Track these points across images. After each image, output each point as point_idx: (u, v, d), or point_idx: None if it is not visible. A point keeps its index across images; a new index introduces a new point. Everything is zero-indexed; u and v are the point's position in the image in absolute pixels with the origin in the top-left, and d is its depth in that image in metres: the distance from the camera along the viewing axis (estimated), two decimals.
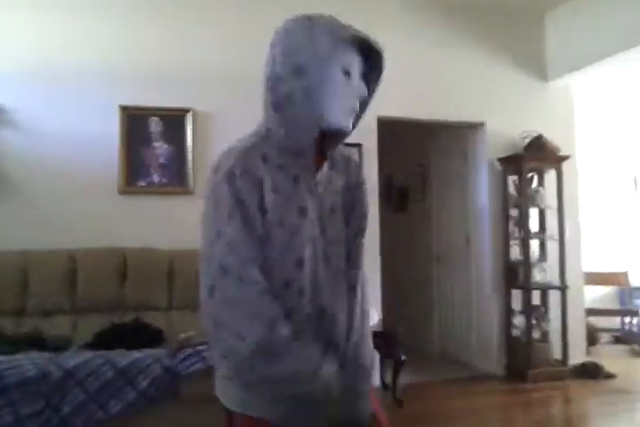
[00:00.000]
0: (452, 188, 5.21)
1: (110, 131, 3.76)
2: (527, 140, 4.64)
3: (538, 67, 4.94)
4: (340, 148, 1.32)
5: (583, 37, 4.59)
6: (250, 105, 3.96)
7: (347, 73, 1.18)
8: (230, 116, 3.97)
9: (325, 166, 1.25)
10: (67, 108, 3.72)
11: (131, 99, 3.81)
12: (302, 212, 1.17)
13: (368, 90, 1.22)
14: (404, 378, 3.99)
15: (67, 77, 3.73)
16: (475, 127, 4.82)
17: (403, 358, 3.84)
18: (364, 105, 1.24)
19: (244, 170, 1.12)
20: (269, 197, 1.13)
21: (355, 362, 1.24)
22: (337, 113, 1.18)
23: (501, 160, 4.68)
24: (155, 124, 3.85)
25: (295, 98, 1.14)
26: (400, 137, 5.49)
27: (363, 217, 1.34)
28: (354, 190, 1.32)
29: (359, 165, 1.39)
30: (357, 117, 1.24)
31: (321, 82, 1.14)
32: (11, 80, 3.65)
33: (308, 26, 1.15)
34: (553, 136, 4.65)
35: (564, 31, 4.80)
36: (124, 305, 3.33)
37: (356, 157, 1.42)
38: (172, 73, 3.92)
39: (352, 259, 1.29)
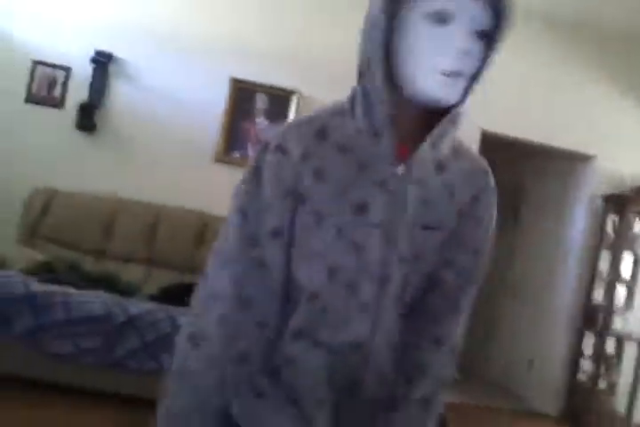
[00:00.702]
0: (545, 217, 4.97)
1: (217, 100, 3.86)
2: (638, 181, 4.37)
3: None
4: (467, 154, 1.02)
5: None
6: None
7: (441, 19, 0.85)
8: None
9: (421, 161, 0.93)
10: (182, 71, 3.86)
11: (243, 72, 3.89)
12: (360, 209, 0.89)
13: (491, 47, 0.89)
14: (451, 396, 3.84)
15: (186, 41, 3.86)
16: (583, 159, 4.59)
17: (454, 376, 3.69)
18: (466, 54, 0.87)
19: (278, 145, 0.91)
20: (309, 183, 0.89)
21: None
22: (421, 75, 0.87)
23: (605, 197, 4.43)
24: (261, 101, 3.91)
25: (372, 57, 0.90)
26: (498, 154, 5.30)
27: (473, 254, 1.01)
28: (477, 219, 1.00)
29: (492, 187, 1.04)
30: (466, 89, 0.90)
31: (398, 35, 0.88)
32: (136, 36, 3.81)
33: None
34: None
35: None
36: (196, 267, 3.38)
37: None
38: (287, 54, 3.96)
39: (437, 309, 0.98)
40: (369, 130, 0.91)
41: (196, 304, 0.94)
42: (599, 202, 4.48)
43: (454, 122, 0.92)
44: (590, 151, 4.50)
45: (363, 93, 0.91)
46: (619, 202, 4.34)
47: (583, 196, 4.56)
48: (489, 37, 0.89)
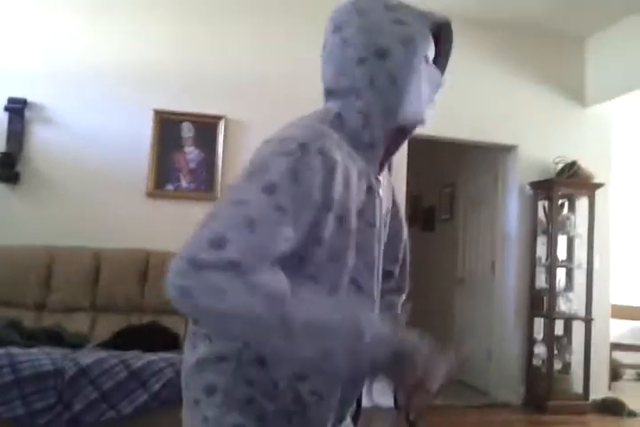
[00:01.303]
0: (480, 209, 5.14)
1: (143, 133, 3.82)
2: (560, 166, 4.57)
3: (576, 92, 4.87)
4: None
5: (625, 64, 4.51)
6: (283, 115, 4.05)
7: (426, 59, 1.05)
8: (262, 125, 3.99)
9: (386, 167, 1.11)
10: (101, 108, 3.80)
11: (165, 103, 3.87)
12: (360, 214, 0.99)
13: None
14: (419, 401, 3.90)
15: (103, 79, 3.82)
16: (507, 150, 4.77)
17: None
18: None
19: (320, 149, 0.90)
20: (338, 192, 0.93)
21: None
22: (418, 104, 1.04)
23: (532, 184, 4.61)
24: (187, 130, 3.90)
25: (378, 83, 1.00)
26: (428, 155, 5.45)
27: (405, 244, 1.26)
28: (398, 208, 1.21)
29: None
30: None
31: (407, 68, 1.00)
32: (48, 79, 3.74)
33: (392, 6, 1.03)
34: (588, 163, 4.56)
35: (606, 56, 4.73)
36: (144, 307, 3.34)
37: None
38: (207, 80, 3.97)
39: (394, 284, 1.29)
40: (367, 142, 1.01)
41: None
42: (528, 189, 4.66)
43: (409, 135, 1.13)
44: (513, 142, 4.68)
45: (366, 109, 1.01)
46: (546, 188, 4.52)
47: (512, 185, 4.73)
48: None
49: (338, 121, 1.00)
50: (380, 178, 1.06)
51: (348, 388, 1.03)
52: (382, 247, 1.09)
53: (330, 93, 1.06)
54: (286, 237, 0.87)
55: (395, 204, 1.20)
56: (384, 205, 1.08)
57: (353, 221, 0.97)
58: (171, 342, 3.10)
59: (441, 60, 1.11)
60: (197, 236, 0.84)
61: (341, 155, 0.94)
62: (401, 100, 1.01)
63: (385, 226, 1.11)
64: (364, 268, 1.01)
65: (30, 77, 3.71)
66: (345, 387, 1.02)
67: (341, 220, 0.95)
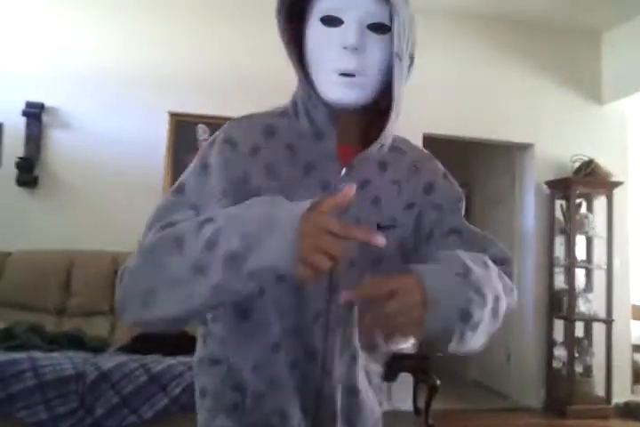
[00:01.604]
0: (496, 209, 5.10)
1: (159, 136, 3.83)
2: (577, 164, 4.52)
3: (592, 89, 4.81)
4: (413, 149, 1.04)
5: None
6: None
7: (331, 20, 0.87)
8: None
9: (363, 161, 0.94)
10: (117, 111, 3.81)
11: (180, 105, 3.87)
12: None
13: (393, 45, 0.88)
14: (437, 404, 3.87)
15: (118, 82, 3.83)
16: (523, 148, 4.73)
17: (437, 383, 3.73)
18: (386, 66, 0.89)
19: (225, 139, 0.91)
20: (258, 181, 0.88)
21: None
22: (321, 78, 0.89)
23: (549, 183, 4.57)
24: (202, 132, 3.90)
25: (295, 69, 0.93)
26: (443, 154, 5.39)
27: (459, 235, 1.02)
28: (440, 210, 1.00)
29: (445, 178, 1.05)
30: (392, 90, 0.90)
31: (305, 42, 0.91)
32: (65, 83, 3.76)
33: None
34: (605, 161, 4.50)
35: (622, 53, 4.67)
36: None
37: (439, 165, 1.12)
38: (221, 82, 3.97)
39: None
40: (311, 132, 0.92)
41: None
42: (545, 188, 4.61)
43: (395, 121, 0.93)
44: (529, 140, 4.64)
45: (301, 97, 0.93)
46: (563, 186, 4.47)
47: (529, 184, 4.69)
48: (388, 29, 0.88)
49: (291, 107, 0.97)
50: (344, 172, 0.92)
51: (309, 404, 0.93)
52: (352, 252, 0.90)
53: None
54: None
55: (418, 209, 0.99)
56: (355, 207, 0.87)
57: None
58: (189, 345, 3.08)
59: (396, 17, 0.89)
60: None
61: (271, 144, 0.91)
62: (304, 77, 0.92)
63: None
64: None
65: (47, 81, 3.73)
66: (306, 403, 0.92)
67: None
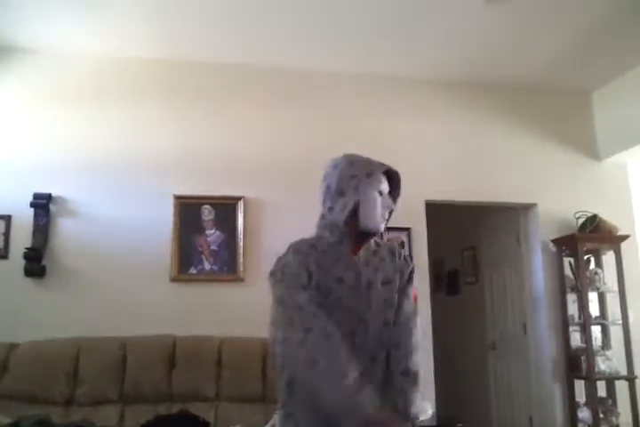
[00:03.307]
0: (504, 270, 5.07)
1: (164, 219, 3.91)
2: (582, 220, 4.53)
3: (588, 146, 4.89)
4: (386, 242, 1.87)
5: (633, 114, 4.54)
6: (299, 192, 4.14)
7: (379, 193, 1.72)
8: (281, 203, 4.09)
9: (364, 251, 1.73)
10: (123, 197, 3.92)
11: (184, 188, 3.98)
12: (339, 280, 1.64)
13: (393, 200, 1.77)
14: None
15: (122, 169, 3.96)
16: (526, 208, 4.76)
17: None
18: (391, 211, 1.77)
19: (295, 250, 1.68)
20: (313, 269, 1.63)
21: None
22: (373, 220, 1.70)
23: (555, 241, 4.56)
24: (207, 212, 3.98)
25: (336, 211, 1.70)
26: (449, 219, 5.46)
27: (405, 295, 1.77)
28: (405, 273, 1.78)
29: (405, 253, 1.86)
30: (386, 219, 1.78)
31: (355, 201, 1.68)
32: (72, 172, 3.90)
33: (353, 163, 1.72)
34: (609, 215, 4.52)
35: (613, 110, 4.78)
36: (172, 395, 3.30)
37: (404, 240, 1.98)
38: (223, 163, 4.10)
39: (397, 341, 1.70)
40: (336, 241, 1.69)
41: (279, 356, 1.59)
42: (551, 247, 4.60)
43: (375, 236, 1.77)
44: (531, 200, 4.68)
45: (330, 225, 1.71)
46: (570, 243, 4.46)
47: (535, 244, 4.68)
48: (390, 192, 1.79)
49: (317, 235, 1.75)
50: (360, 258, 1.71)
51: None
52: (370, 302, 1.68)
53: (319, 218, 1.78)
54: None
55: (399, 272, 1.77)
56: (367, 272, 1.70)
57: (329, 284, 1.64)
58: None
59: (394, 188, 1.78)
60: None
61: (316, 252, 1.67)
62: (343, 219, 1.68)
63: (370, 286, 1.69)
64: (345, 311, 1.63)
65: (54, 172, 3.87)
66: None
67: (319, 285, 1.63)
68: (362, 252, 1.72)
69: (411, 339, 1.70)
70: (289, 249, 1.69)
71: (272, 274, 1.68)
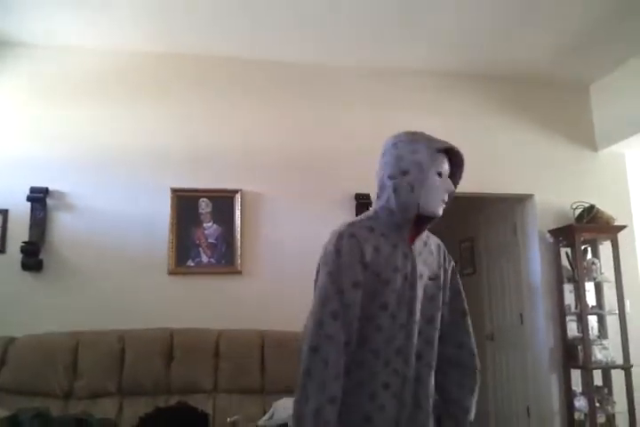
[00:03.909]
0: (502, 261, 5.09)
1: (161, 212, 3.91)
2: (579, 211, 4.54)
3: (586, 137, 4.90)
4: (433, 236, 1.77)
5: (630, 106, 4.54)
6: (296, 185, 4.15)
7: (439, 174, 1.61)
8: (278, 196, 4.10)
9: (419, 241, 1.65)
10: (120, 191, 3.92)
11: (181, 181, 3.97)
12: (395, 269, 1.55)
13: (453, 183, 1.65)
14: None
15: (120, 162, 3.96)
16: (524, 199, 4.77)
17: None
18: (451, 194, 1.65)
19: (350, 234, 1.53)
20: (370, 255, 1.52)
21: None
22: (432, 203, 1.60)
23: (553, 232, 4.57)
24: (205, 205, 3.98)
25: (400, 191, 1.57)
26: (446, 210, 5.43)
27: (459, 293, 1.76)
28: (449, 271, 1.74)
29: (445, 251, 1.79)
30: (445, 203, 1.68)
31: (420, 181, 1.56)
32: (69, 166, 3.90)
33: (409, 140, 1.61)
34: (607, 206, 4.53)
35: (610, 101, 4.78)
36: (170, 387, 3.32)
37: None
38: (221, 156, 4.10)
39: (449, 336, 1.72)
40: (394, 225, 1.58)
41: (309, 327, 1.47)
42: (549, 237, 4.61)
43: (434, 221, 1.68)
44: (528, 191, 4.68)
45: (394, 207, 1.58)
46: (567, 234, 4.47)
47: (532, 234, 4.69)
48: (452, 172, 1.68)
49: (375, 215, 1.62)
50: (416, 247, 1.62)
51: None
52: (420, 293, 1.60)
53: (377, 197, 1.66)
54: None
55: (443, 269, 1.72)
56: (419, 264, 1.61)
57: (387, 273, 1.54)
58: (200, 422, 3.07)
59: (456, 170, 1.67)
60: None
61: (373, 236, 1.56)
62: (417, 200, 1.57)
63: (420, 278, 1.60)
64: (399, 303, 1.55)
65: (50, 166, 3.86)
66: None
67: (377, 272, 1.52)
68: (417, 242, 1.63)
69: (472, 339, 1.75)
70: (344, 231, 1.54)
71: (324, 263, 1.53)
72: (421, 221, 1.64)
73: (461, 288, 1.77)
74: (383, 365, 1.51)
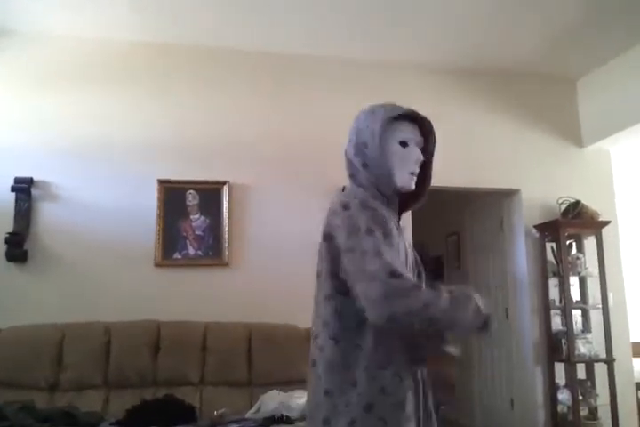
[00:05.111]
0: (488, 256, 5.12)
1: (148, 204, 3.87)
2: (564, 206, 4.58)
3: (572, 132, 4.93)
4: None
5: (617, 102, 4.58)
6: (284, 177, 4.13)
7: (402, 143, 1.50)
8: (266, 188, 4.08)
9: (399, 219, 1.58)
10: (106, 181, 3.87)
11: (168, 173, 3.94)
12: (398, 241, 1.44)
13: (428, 152, 1.55)
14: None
15: (106, 153, 3.91)
16: (509, 194, 4.80)
17: None
18: (428, 166, 1.56)
19: (364, 203, 1.39)
20: (384, 221, 1.39)
21: None
22: (400, 176, 1.49)
23: (538, 227, 4.61)
24: (192, 197, 3.95)
25: (370, 165, 1.47)
26: (433, 205, 5.45)
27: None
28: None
29: None
30: (427, 178, 1.58)
31: (380, 154, 1.46)
32: (54, 156, 3.84)
33: (369, 111, 1.51)
34: (592, 202, 4.57)
35: (597, 97, 4.81)
36: (157, 380, 3.30)
37: None
38: (208, 147, 4.07)
39: None
40: (383, 198, 1.47)
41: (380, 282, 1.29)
42: (534, 232, 4.65)
43: (420, 201, 1.60)
44: (514, 186, 4.71)
45: (374, 180, 1.47)
46: (552, 229, 4.51)
47: (518, 229, 4.73)
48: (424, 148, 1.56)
49: (363, 192, 1.47)
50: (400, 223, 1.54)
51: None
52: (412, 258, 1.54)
53: (349, 176, 1.54)
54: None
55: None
56: (406, 237, 1.52)
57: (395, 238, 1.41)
58: (187, 414, 3.05)
59: (429, 138, 1.57)
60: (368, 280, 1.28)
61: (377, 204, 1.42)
62: (387, 173, 1.47)
63: (409, 248, 1.52)
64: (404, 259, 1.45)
65: (35, 156, 3.81)
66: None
67: (388, 235, 1.36)
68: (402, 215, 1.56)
69: None
70: (349, 203, 1.39)
71: (352, 227, 1.35)
72: (396, 195, 1.53)
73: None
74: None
